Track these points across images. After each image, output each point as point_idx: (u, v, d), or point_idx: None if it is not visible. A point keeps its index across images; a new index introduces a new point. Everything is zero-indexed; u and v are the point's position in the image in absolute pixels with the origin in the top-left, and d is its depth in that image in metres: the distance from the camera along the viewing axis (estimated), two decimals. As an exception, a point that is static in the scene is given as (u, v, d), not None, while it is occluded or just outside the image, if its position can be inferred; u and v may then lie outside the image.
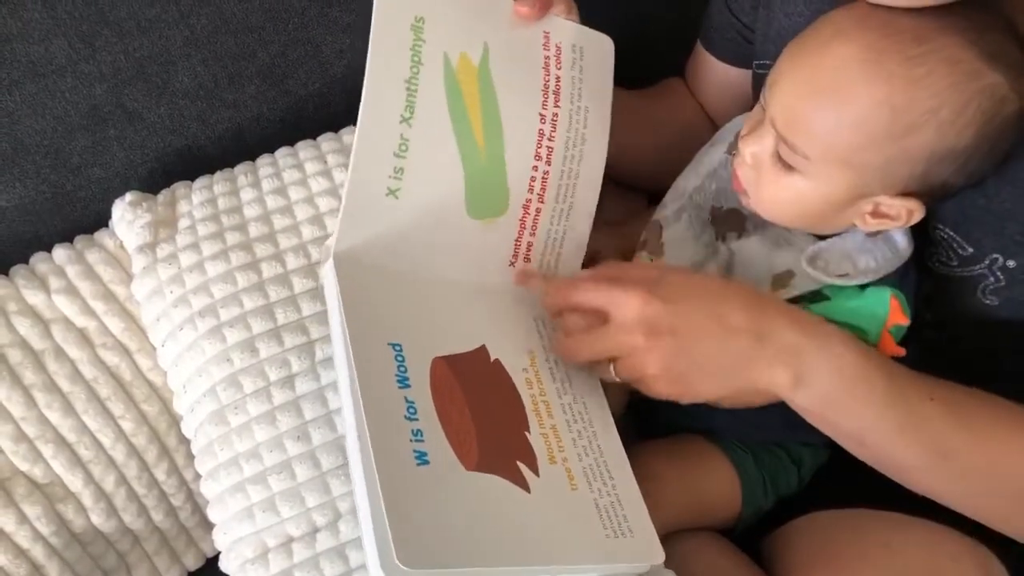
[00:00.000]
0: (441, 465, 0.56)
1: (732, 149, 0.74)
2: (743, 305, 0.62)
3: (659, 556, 0.62)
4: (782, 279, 0.67)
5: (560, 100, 0.69)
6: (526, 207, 0.70)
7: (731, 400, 0.65)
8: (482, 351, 0.66)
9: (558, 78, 0.69)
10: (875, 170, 0.61)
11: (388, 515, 0.51)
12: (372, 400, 0.56)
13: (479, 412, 0.61)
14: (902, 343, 0.66)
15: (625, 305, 0.62)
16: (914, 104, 0.57)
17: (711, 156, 0.76)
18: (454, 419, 0.59)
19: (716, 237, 0.73)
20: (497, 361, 0.66)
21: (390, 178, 0.64)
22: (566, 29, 0.70)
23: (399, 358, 0.60)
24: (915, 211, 0.63)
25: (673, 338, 0.61)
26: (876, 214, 0.64)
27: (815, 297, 0.66)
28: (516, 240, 0.70)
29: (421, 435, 0.56)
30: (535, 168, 0.69)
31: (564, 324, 0.67)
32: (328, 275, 0.62)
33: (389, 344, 0.60)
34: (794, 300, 0.66)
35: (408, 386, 0.59)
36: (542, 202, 0.70)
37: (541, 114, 0.69)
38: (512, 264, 0.71)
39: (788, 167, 0.63)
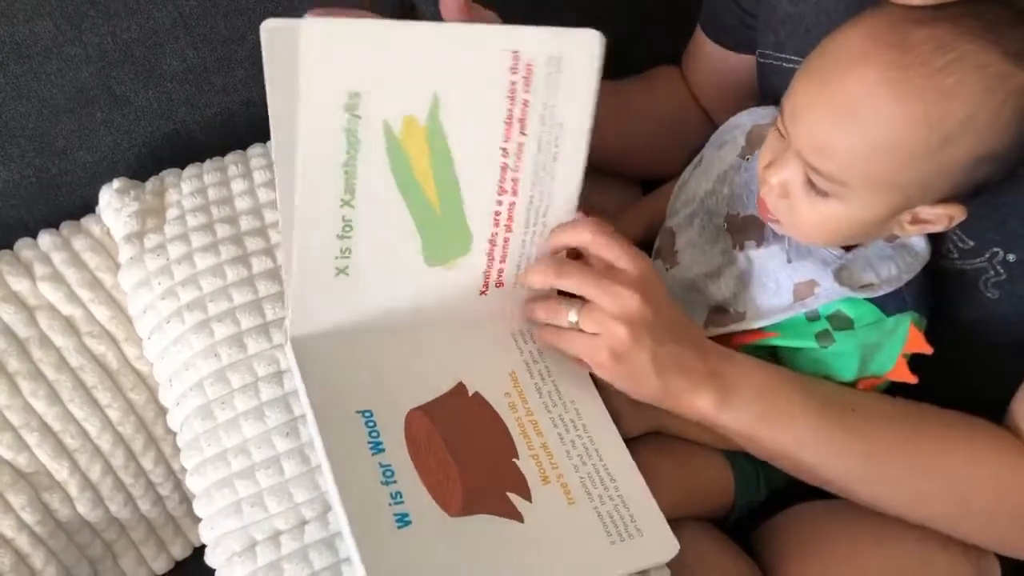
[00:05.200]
0: (424, 521, 0.58)
1: (745, 153, 0.73)
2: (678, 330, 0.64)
3: (673, 549, 0.63)
4: (805, 288, 0.67)
5: (527, 127, 0.64)
6: (492, 240, 0.67)
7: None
8: (459, 388, 0.66)
9: (525, 103, 0.63)
10: (916, 185, 0.60)
11: None
12: (344, 474, 0.57)
13: (461, 454, 0.62)
14: None
15: (622, 302, 0.61)
16: (948, 116, 0.56)
17: (721, 158, 0.75)
18: (434, 469, 0.60)
19: (733, 245, 0.71)
20: (476, 394, 0.66)
21: (337, 259, 0.62)
22: (542, 40, 0.62)
23: (369, 424, 0.61)
24: (956, 215, 0.62)
25: (651, 338, 0.62)
26: (915, 221, 0.63)
27: (840, 324, 0.66)
28: (485, 271, 0.68)
29: (400, 497, 0.58)
30: (499, 203, 0.66)
31: (548, 309, 0.66)
32: (289, 356, 0.63)
33: (358, 412, 0.61)
34: (822, 332, 0.67)
35: (382, 450, 0.60)
36: (510, 231, 0.67)
37: (503, 148, 0.64)
38: (483, 293, 0.69)
39: (823, 193, 0.61)
